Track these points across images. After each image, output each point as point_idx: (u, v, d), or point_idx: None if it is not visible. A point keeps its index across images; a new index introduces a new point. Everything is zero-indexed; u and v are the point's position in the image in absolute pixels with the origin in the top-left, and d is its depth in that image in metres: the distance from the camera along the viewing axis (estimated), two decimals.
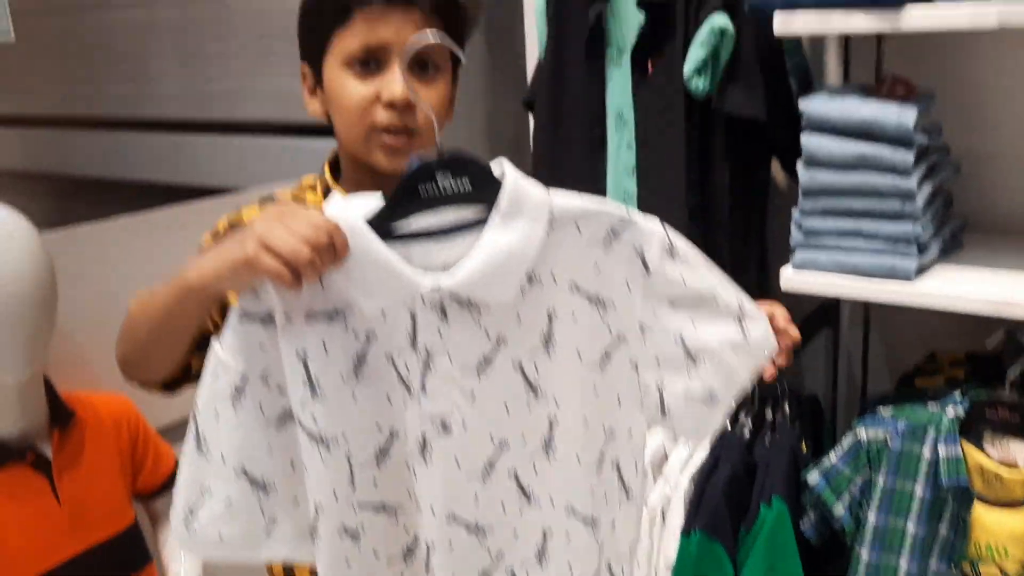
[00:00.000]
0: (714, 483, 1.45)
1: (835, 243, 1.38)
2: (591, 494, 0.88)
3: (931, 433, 1.35)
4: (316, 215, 0.79)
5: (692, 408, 0.88)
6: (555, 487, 0.88)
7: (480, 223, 0.81)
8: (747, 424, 1.55)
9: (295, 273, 0.76)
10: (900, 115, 1.28)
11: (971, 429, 1.35)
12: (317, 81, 1.06)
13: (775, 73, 1.49)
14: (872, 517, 1.38)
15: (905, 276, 1.33)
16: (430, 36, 0.86)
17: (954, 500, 1.33)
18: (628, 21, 1.59)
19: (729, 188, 1.54)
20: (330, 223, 0.78)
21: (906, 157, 1.29)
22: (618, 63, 1.63)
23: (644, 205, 1.61)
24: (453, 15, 1.04)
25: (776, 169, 1.68)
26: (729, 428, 1.55)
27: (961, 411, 1.35)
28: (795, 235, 1.42)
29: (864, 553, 1.39)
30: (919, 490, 1.36)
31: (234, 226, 1.03)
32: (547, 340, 0.84)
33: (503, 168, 0.82)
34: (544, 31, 1.72)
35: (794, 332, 0.93)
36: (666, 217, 1.56)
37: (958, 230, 1.47)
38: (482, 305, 0.82)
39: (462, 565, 0.87)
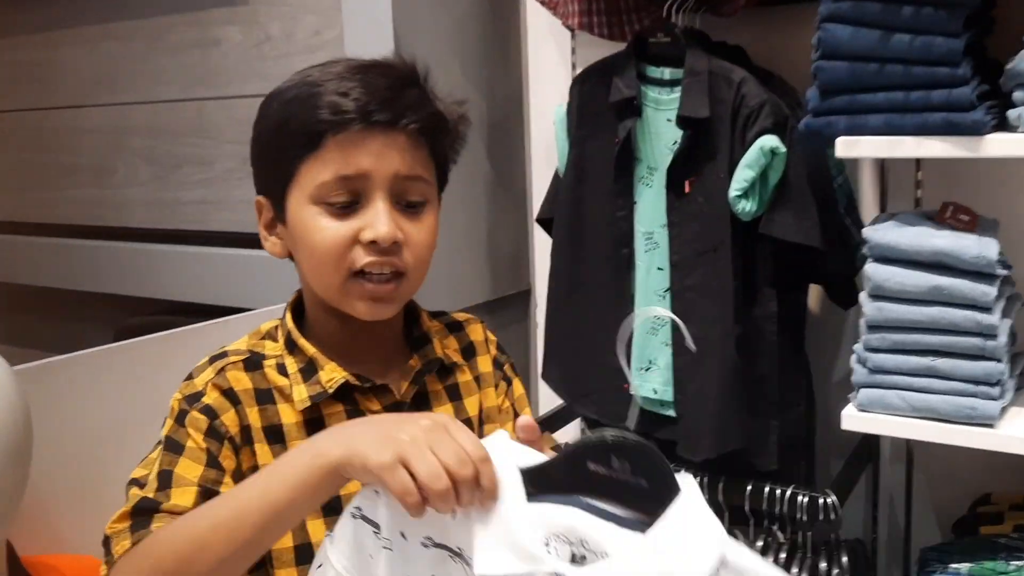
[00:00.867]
0: None
1: (906, 383, 1.26)
2: None
3: None
4: (470, 439, 0.66)
5: None
6: None
7: (634, 524, 0.66)
8: None
9: (423, 500, 0.62)
10: (981, 247, 1.18)
11: None
12: (278, 217, 0.91)
13: (823, 195, 1.39)
14: None
15: (988, 420, 1.21)
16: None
17: None
18: (662, 137, 1.49)
19: (777, 315, 1.42)
20: (482, 453, 0.65)
21: (988, 291, 1.18)
22: (648, 182, 1.52)
23: (681, 334, 1.48)
24: (440, 136, 0.92)
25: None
26: None
27: None
28: (859, 372, 1.30)
29: None
30: None
31: (190, 399, 0.87)
32: None
33: (686, 482, 0.67)
34: (565, 144, 1.61)
35: None
36: (709, 346, 1.47)
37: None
38: None
39: None
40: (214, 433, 0.86)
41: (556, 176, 1.68)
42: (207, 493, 0.82)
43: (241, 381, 0.89)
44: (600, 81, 1.55)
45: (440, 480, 0.63)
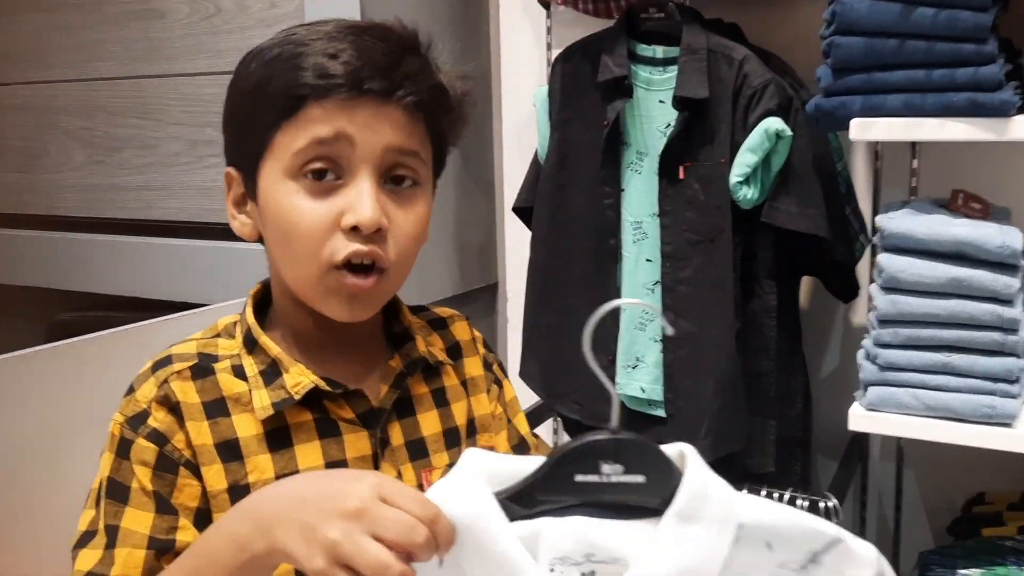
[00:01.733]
0: None
1: (920, 380, 1.19)
2: None
3: None
4: (413, 499, 0.57)
5: None
6: None
7: (645, 513, 0.62)
8: None
9: None
10: (1004, 235, 1.12)
11: None
12: (249, 193, 0.79)
13: (827, 182, 1.31)
14: None
15: (1007, 419, 1.15)
16: None
17: None
18: (653, 120, 1.40)
19: (776, 309, 1.34)
20: (431, 511, 0.56)
21: (1011, 283, 1.12)
22: (637, 167, 1.43)
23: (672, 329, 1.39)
24: (440, 113, 0.80)
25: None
26: None
27: None
28: (867, 369, 1.23)
29: None
30: None
31: (133, 422, 0.75)
32: None
33: (685, 457, 0.63)
34: (546, 128, 1.51)
35: None
36: (705, 342, 1.39)
37: None
38: None
39: None
40: (165, 463, 0.74)
41: (535, 162, 1.57)
42: (160, 548, 0.71)
43: (188, 393, 0.76)
44: (586, 60, 1.45)
45: (391, 569, 0.55)
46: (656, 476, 0.62)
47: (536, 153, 1.57)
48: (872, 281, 1.51)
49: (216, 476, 0.74)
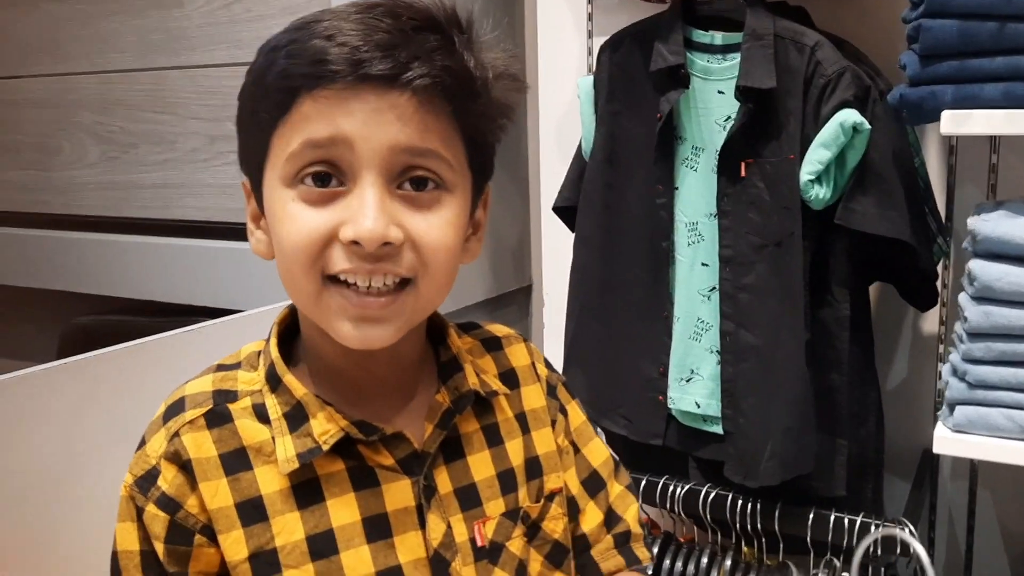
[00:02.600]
0: None
1: (1014, 399, 1.08)
2: None
3: None
4: None
5: None
6: None
7: None
8: None
9: None
10: None
11: None
12: (259, 205, 0.68)
13: (907, 180, 1.20)
14: None
15: None
16: None
17: None
18: (711, 113, 1.28)
19: (849, 319, 1.23)
20: None
21: None
22: (692, 164, 1.32)
23: (733, 340, 1.28)
24: (466, 96, 0.65)
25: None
26: None
27: None
28: (955, 387, 1.11)
29: None
30: None
31: (142, 483, 0.65)
32: None
33: None
34: (591, 121, 1.40)
35: None
36: (773, 356, 1.24)
37: None
38: None
39: None
40: (178, 534, 0.64)
41: (578, 157, 1.46)
42: None
43: (202, 446, 0.65)
44: (636, 48, 1.34)
45: None
46: None
47: (579, 148, 1.46)
48: (945, 286, 1.41)
49: (235, 544, 0.64)
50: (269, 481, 0.65)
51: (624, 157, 1.37)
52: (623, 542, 0.83)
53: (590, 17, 1.64)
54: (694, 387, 1.35)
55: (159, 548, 0.63)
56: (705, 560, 1.35)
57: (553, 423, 0.81)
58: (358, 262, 0.61)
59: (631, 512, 0.85)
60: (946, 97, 1.04)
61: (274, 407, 0.67)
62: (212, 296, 1.77)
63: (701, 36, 1.29)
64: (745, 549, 1.37)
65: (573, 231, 1.45)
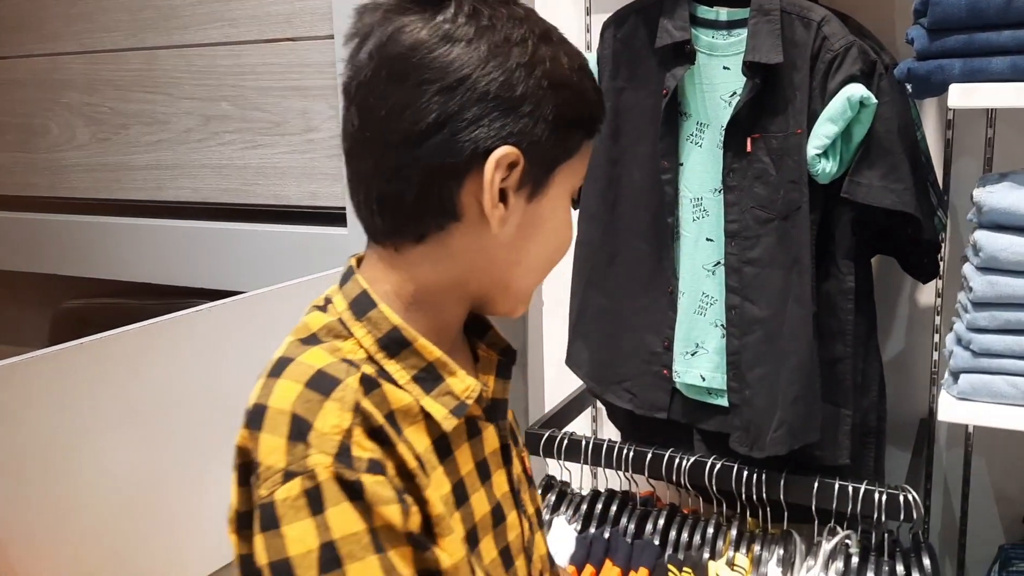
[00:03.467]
0: None
1: (1018, 367, 1.11)
2: None
3: None
4: None
5: None
6: None
7: None
8: None
9: None
10: None
11: None
12: (534, 187, 0.70)
13: (912, 153, 1.22)
14: None
15: None
16: None
17: None
18: (716, 88, 1.29)
19: (853, 291, 1.25)
20: None
21: None
22: (697, 140, 1.33)
23: (739, 313, 1.30)
24: None
25: None
26: None
27: None
28: (960, 356, 1.14)
29: None
30: None
31: (342, 458, 0.61)
32: None
33: None
34: None
35: None
36: (780, 328, 1.26)
37: None
38: None
39: None
40: (398, 495, 0.63)
41: None
42: None
43: (375, 413, 0.64)
44: (641, 24, 1.34)
45: None
46: None
47: None
48: (942, 259, 1.43)
49: (433, 496, 0.66)
50: (419, 440, 0.68)
51: (628, 133, 1.38)
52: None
53: None
54: (699, 360, 1.37)
55: (392, 512, 0.61)
56: (711, 530, 1.37)
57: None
58: None
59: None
60: (954, 70, 1.06)
61: (399, 371, 0.68)
62: (207, 277, 1.76)
63: (706, 12, 1.30)
64: (749, 520, 1.40)
65: (576, 207, 1.46)
